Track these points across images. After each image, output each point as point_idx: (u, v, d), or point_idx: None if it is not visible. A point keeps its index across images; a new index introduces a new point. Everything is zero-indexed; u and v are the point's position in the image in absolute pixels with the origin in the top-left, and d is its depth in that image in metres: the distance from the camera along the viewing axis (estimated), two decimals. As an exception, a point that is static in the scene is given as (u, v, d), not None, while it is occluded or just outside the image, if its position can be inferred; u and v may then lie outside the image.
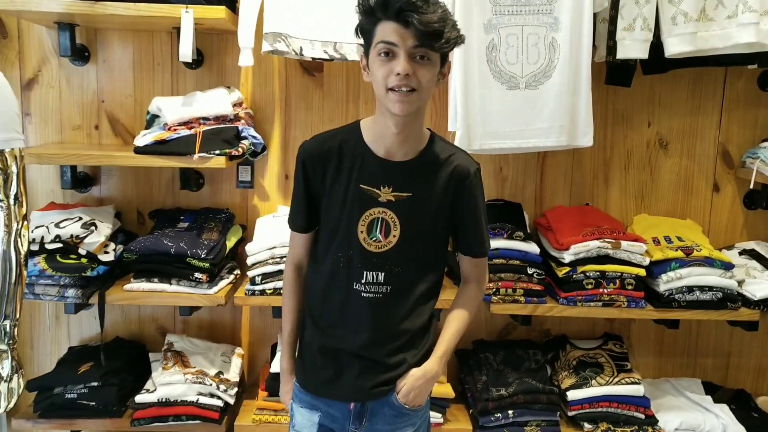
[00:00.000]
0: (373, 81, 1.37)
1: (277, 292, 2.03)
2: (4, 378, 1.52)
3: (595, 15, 2.01)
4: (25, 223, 1.55)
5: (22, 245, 1.53)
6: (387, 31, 1.31)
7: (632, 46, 1.98)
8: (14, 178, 1.51)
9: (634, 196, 2.40)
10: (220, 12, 1.94)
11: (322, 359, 1.50)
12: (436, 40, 1.29)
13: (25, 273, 1.55)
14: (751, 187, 2.25)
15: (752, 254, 2.25)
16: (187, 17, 1.91)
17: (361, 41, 1.39)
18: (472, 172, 1.45)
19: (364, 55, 1.39)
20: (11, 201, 1.50)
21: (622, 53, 2.00)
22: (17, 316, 1.54)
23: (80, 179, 2.27)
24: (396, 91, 1.31)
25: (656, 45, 2.02)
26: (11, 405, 1.55)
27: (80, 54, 2.21)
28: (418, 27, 1.27)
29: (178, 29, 2.02)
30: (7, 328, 1.52)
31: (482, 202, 1.49)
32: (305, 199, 1.47)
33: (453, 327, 1.51)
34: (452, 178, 1.43)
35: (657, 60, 2.05)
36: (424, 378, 1.47)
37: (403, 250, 1.43)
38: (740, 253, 2.29)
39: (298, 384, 1.55)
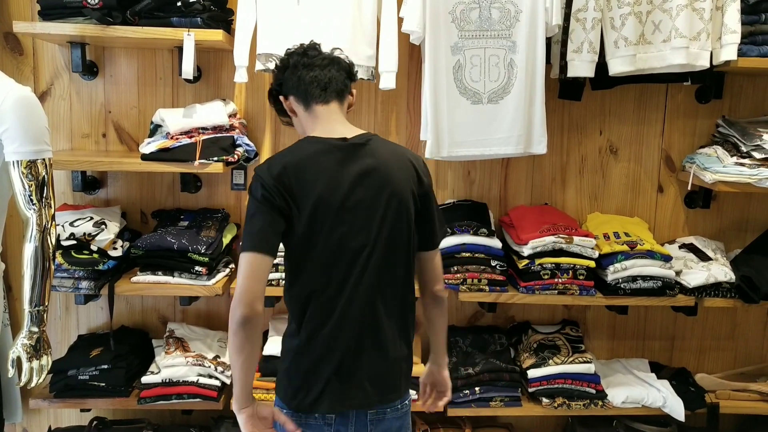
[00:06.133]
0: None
1: (268, 282, 2.21)
2: (36, 356, 1.73)
3: (549, 38, 2.23)
4: (53, 222, 1.73)
5: (51, 242, 1.72)
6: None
7: (580, 66, 2.18)
8: (44, 183, 1.70)
9: (588, 197, 2.59)
10: (218, 35, 2.10)
11: None
12: None
13: (53, 266, 1.74)
14: (689, 188, 2.47)
15: (690, 248, 2.47)
16: (189, 40, 2.06)
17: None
18: None
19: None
20: (42, 204, 1.69)
21: (572, 72, 2.19)
22: (46, 303, 1.73)
23: (89, 182, 2.42)
24: None
25: (602, 65, 2.22)
26: (41, 380, 1.75)
27: (89, 69, 2.35)
28: None
29: (178, 47, 2.17)
30: (39, 313, 1.71)
31: None
32: None
33: None
34: None
35: (603, 77, 2.25)
36: None
37: None
38: (680, 247, 2.49)
39: None
